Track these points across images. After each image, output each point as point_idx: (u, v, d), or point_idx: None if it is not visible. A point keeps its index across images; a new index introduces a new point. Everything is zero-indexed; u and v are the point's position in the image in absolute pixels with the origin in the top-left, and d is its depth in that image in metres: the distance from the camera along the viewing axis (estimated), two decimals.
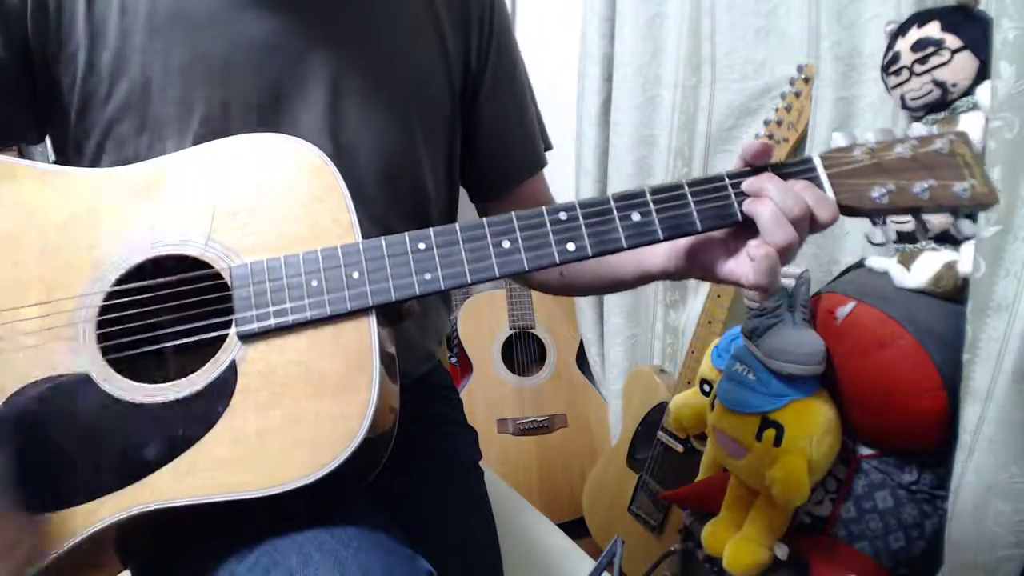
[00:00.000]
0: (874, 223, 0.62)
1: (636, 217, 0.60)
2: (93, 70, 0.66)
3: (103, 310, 0.59)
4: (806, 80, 1.23)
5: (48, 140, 0.74)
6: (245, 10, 0.68)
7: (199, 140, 0.67)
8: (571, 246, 0.60)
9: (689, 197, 0.61)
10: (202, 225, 0.61)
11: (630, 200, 0.61)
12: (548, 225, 0.60)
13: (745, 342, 1.06)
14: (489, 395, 1.81)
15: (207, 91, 0.67)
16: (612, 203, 0.61)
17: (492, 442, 1.77)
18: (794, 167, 0.61)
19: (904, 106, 1.02)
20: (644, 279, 0.75)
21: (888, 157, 0.60)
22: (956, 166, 0.59)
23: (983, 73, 0.93)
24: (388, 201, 0.75)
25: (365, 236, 0.61)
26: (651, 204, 0.61)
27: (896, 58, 1.00)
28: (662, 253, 0.70)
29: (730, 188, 0.61)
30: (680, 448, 1.42)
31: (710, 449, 1.25)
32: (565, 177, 1.79)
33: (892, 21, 1.05)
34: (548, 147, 0.92)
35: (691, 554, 1.24)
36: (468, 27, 0.80)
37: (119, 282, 0.60)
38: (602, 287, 0.82)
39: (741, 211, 0.61)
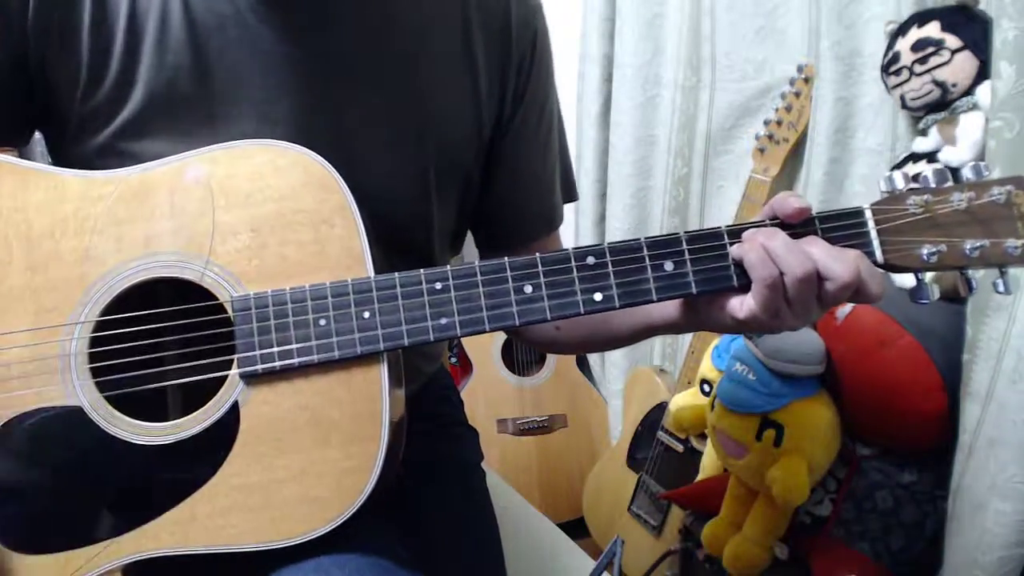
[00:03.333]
0: (917, 278, 0.58)
1: (669, 267, 0.56)
2: (96, 88, 0.63)
3: (96, 338, 0.56)
4: (806, 80, 1.23)
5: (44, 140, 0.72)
6: (261, 32, 0.63)
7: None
8: (598, 296, 0.56)
9: (728, 248, 0.56)
10: (201, 244, 0.56)
11: (664, 248, 0.56)
12: (575, 271, 0.56)
13: (745, 342, 1.06)
14: (489, 395, 1.81)
15: (214, 110, 0.64)
16: (644, 250, 0.56)
17: (492, 442, 1.77)
18: (841, 221, 0.56)
19: (904, 106, 1.02)
20: (645, 334, 0.70)
21: (943, 210, 0.55)
22: (1011, 218, 0.54)
23: (983, 73, 0.93)
24: (385, 244, 0.67)
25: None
26: (686, 254, 0.56)
27: (896, 58, 1.00)
28: (672, 305, 0.64)
29: None
30: (680, 448, 1.42)
31: (710, 449, 1.26)
32: None
33: (892, 21, 1.05)
34: (572, 199, 0.85)
35: (691, 554, 1.24)
36: (506, 71, 0.73)
37: (111, 305, 0.56)
38: (595, 345, 0.77)
39: None
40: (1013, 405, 0.85)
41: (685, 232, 0.56)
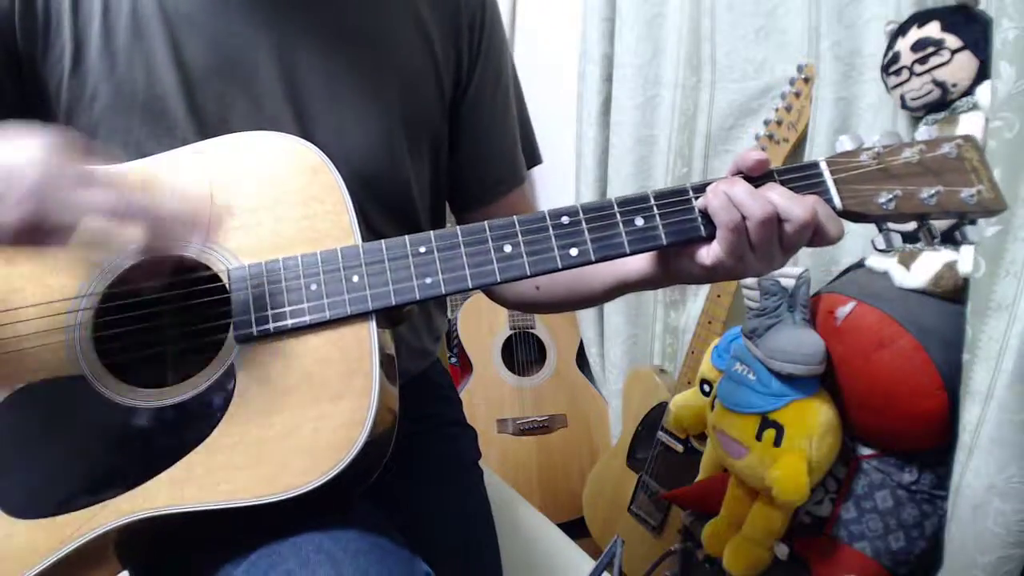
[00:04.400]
0: (880, 229, 0.61)
1: (639, 222, 0.59)
2: (78, 70, 0.66)
3: (99, 312, 0.59)
4: (806, 80, 1.23)
5: None
6: (228, 10, 0.68)
7: (185, 138, 0.67)
8: (574, 251, 0.59)
9: (694, 202, 0.60)
10: (200, 225, 0.59)
11: (633, 205, 0.60)
12: (551, 229, 0.59)
13: (745, 342, 1.06)
14: (489, 395, 1.81)
15: (191, 90, 0.68)
16: (615, 207, 0.60)
17: (492, 442, 1.77)
18: (799, 172, 0.60)
19: (904, 106, 1.02)
20: (620, 290, 0.73)
21: (895, 162, 0.59)
22: (964, 171, 0.58)
23: (983, 73, 0.93)
24: (370, 203, 0.74)
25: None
26: (655, 209, 0.60)
27: (896, 58, 1.00)
28: (640, 259, 0.68)
29: None
30: (680, 448, 1.42)
31: (710, 449, 1.26)
32: (565, 177, 1.79)
33: (892, 21, 1.05)
34: (537, 161, 0.91)
35: (691, 554, 1.24)
36: (459, 35, 0.79)
37: (115, 283, 0.59)
38: (572, 303, 0.81)
39: None
40: (1013, 405, 0.85)
41: (652, 191, 0.61)
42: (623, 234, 0.59)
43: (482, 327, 1.87)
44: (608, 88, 1.60)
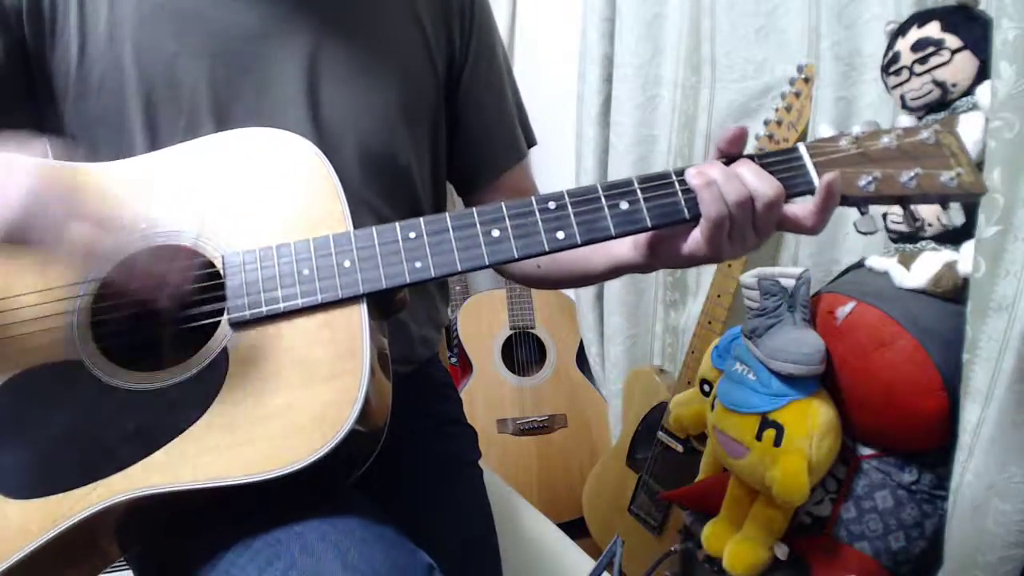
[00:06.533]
0: (861, 212, 0.62)
1: (624, 205, 0.61)
2: (84, 61, 0.67)
3: (97, 298, 0.60)
4: (806, 80, 1.23)
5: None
6: (230, 4, 0.69)
7: (189, 128, 0.68)
8: (560, 234, 0.60)
9: (677, 186, 0.61)
10: (196, 216, 0.62)
11: (618, 189, 0.61)
12: (537, 214, 0.60)
13: (745, 342, 1.06)
14: (489, 395, 1.81)
15: (195, 79, 0.69)
16: (600, 192, 0.61)
17: (492, 442, 1.77)
18: (779, 156, 0.62)
19: (904, 106, 1.02)
20: (615, 271, 0.75)
21: (874, 147, 0.60)
22: (942, 156, 0.59)
23: (983, 73, 0.93)
24: (372, 186, 0.76)
25: (356, 222, 0.61)
26: (639, 192, 0.61)
27: (896, 58, 1.00)
28: (628, 243, 0.70)
29: None
30: (680, 448, 1.42)
31: (710, 449, 1.25)
32: (565, 177, 1.79)
33: (892, 21, 1.05)
34: (532, 142, 0.94)
35: (691, 554, 1.24)
36: (449, 19, 0.83)
37: (112, 272, 0.60)
38: (572, 281, 0.83)
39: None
40: (1013, 405, 0.85)
41: (636, 176, 0.62)
42: (608, 217, 0.60)
43: (482, 327, 1.87)
44: (608, 88, 1.60)
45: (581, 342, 1.90)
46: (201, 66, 0.69)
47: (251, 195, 0.63)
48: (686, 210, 0.61)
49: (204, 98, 0.69)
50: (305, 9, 0.73)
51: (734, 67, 1.39)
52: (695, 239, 0.62)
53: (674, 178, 0.61)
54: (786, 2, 1.30)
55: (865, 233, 0.62)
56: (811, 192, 0.61)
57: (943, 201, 0.60)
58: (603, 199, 0.61)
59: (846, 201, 0.61)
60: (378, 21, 0.78)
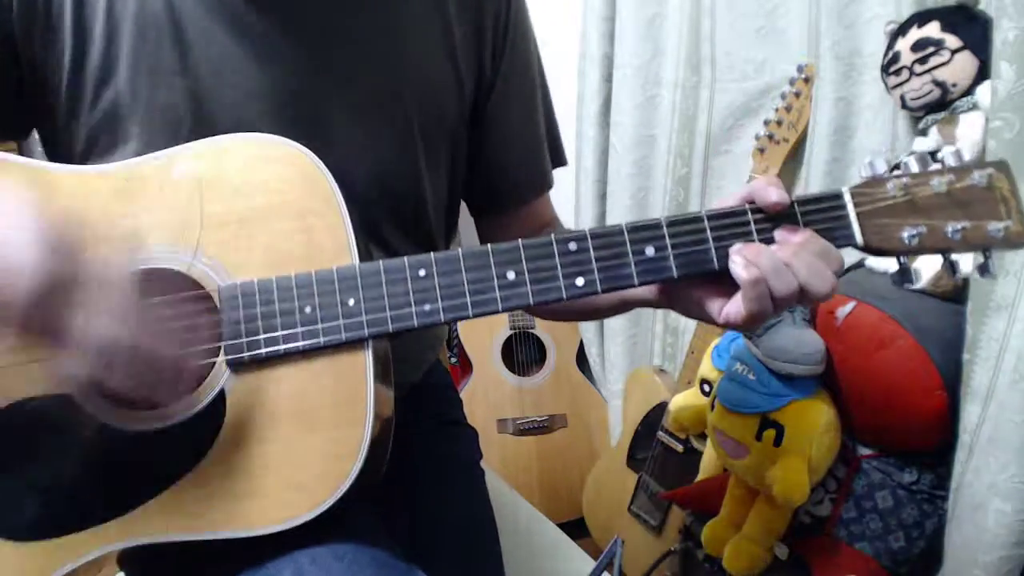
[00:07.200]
0: (900, 263, 0.58)
1: (650, 251, 0.56)
2: (79, 73, 0.64)
3: None
4: (806, 80, 1.23)
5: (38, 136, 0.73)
6: (236, 16, 0.65)
7: (189, 138, 0.63)
8: (580, 280, 0.56)
9: (708, 231, 0.56)
10: (190, 236, 0.57)
11: (645, 231, 0.56)
12: (557, 256, 0.56)
13: (745, 342, 1.06)
14: (489, 395, 1.81)
15: (195, 97, 0.65)
16: (626, 234, 0.56)
17: (492, 442, 1.77)
18: (820, 203, 0.56)
19: (904, 106, 1.02)
20: (623, 307, 0.72)
21: (923, 193, 0.55)
22: (992, 201, 0.55)
23: (983, 73, 0.93)
24: (382, 216, 0.71)
25: (358, 242, 0.58)
26: (667, 238, 0.56)
27: (896, 58, 1.00)
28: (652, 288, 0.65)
29: (753, 228, 0.56)
30: (680, 448, 1.42)
31: (710, 449, 1.26)
32: (565, 177, 1.79)
33: (892, 21, 1.05)
34: (562, 162, 0.87)
35: (691, 554, 1.24)
36: (482, 36, 0.75)
37: None
38: (576, 317, 0.80)
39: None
40: (1013, 405, 0.85)
41: (665, 217, 0.56)
42: (632, 264, 0.56)
43: (482, 327, 1.87)
44: (608, 88, 1.60)
45: (581, 342, 1.90)
46: (203, 86, 0.64)
47: (250, 213, 0.57)
48: (716, 260, 0.56)
49: (204, 118, 0.65)
50: (320, 26, 0.67)
51: (734, 67, 1.38)
52: (722, 307, 0.57)
53: (706, 223, 0.56)
54: (786, 2, 1.30)
55: (899, 284, 0.59)
56: (852, 246, 0.57)
57: (985, 251, 0.56)
58: (628, 243, 0.56)
59: (887, 254, 0.57)
60: (403, 34, 0.71)
